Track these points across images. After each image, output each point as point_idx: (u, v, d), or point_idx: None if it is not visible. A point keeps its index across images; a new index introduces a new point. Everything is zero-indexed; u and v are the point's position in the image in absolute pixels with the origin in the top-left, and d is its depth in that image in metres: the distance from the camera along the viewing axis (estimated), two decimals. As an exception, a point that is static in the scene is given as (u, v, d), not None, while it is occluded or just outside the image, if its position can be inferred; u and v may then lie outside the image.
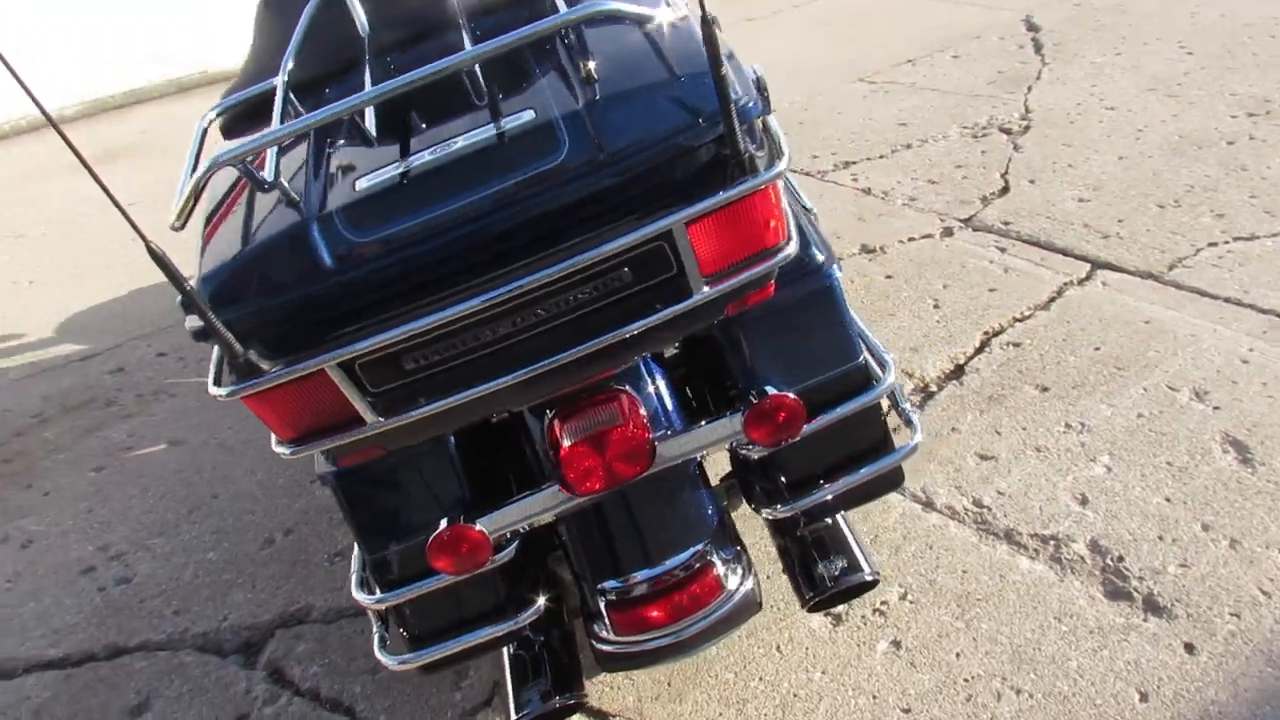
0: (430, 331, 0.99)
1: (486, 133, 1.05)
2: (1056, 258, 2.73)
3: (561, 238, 0.99)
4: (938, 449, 2.13)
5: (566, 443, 1.28)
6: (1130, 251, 2.67)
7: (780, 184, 1.07)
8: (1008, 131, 3.54)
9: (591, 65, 1.07)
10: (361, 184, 1.03)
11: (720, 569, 1.36)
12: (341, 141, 1.12)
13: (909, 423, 1.45)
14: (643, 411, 1.34)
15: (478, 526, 1.31)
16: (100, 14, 6.56)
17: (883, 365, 1.44)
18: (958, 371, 2.37)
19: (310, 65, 1.29)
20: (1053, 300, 2.55)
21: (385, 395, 1.05)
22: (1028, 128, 3.54)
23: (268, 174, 1.02)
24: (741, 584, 1.38)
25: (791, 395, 1.32)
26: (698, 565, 1.36)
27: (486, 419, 1.40)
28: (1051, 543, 1.84)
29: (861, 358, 1.42)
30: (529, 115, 1.05)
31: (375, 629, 1.43)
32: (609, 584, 1.37)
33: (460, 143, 1.05)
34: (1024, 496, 1.96)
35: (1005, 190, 3.14)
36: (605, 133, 0.99)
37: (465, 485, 1.39)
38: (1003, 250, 2.82)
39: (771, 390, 1.33)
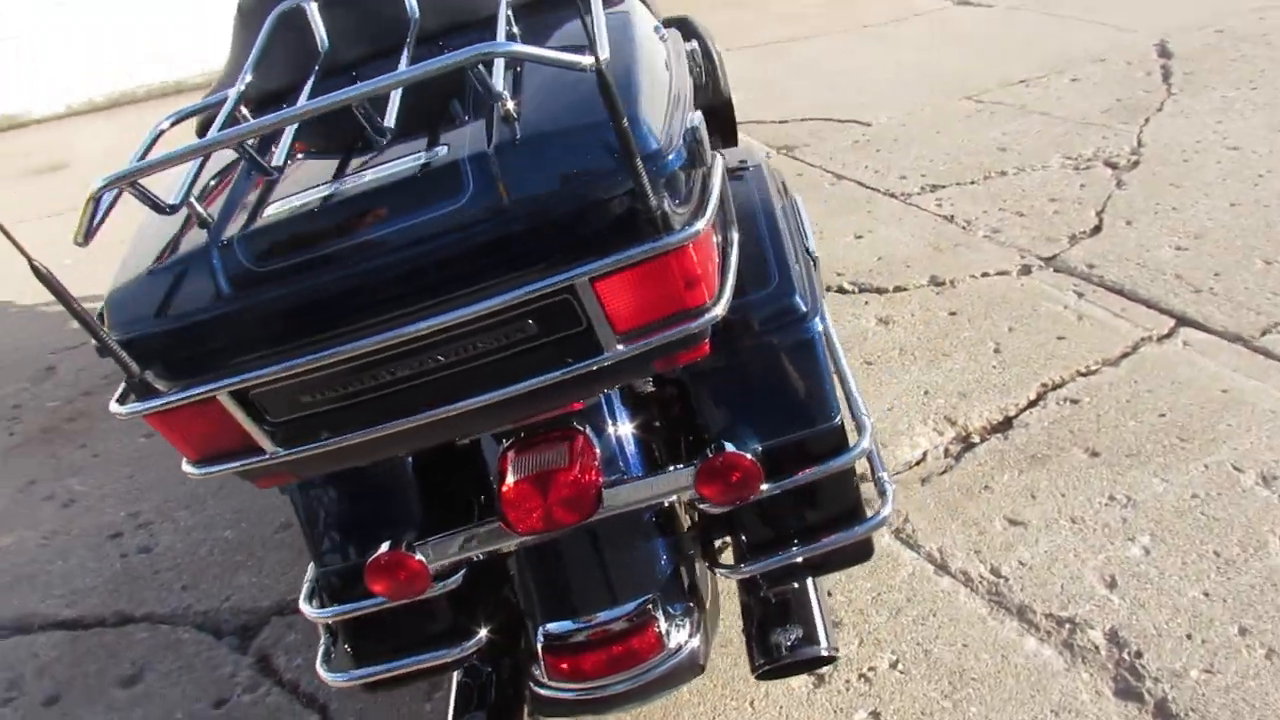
0: (321, 368, 0.96)
1: (399, 168, 1.01)
2: (1139, 309, 2.52)
3: (456, 284, 0.94)
4: (965, 507, 1.99)
5: (509, 480, 1.23)
6: (1221, 310, 2.45)
7: (713, 240, 0.99)
8: (1113, 165, 3.30)
9: (512, 105, 1.01)
10: (269, 211, 1.00)
11: (663, 625, 1.29)
12: (267, 163, 1.10)
13: (882, 493, 1.35)
14: (597, 455, 1.28)
15: (417, 555, 1.28)
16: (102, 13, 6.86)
17: (860, 428, 1.34)
18: (1005, 424, 2.22)
19: (267, 79, 1.28)
20: (1125, 356, 2.35)
21: (283, 426, 1.03)
22: (1136, 163, 3.29)
23: (177, 194, 1.00)
24: (686, 643, 1.31)
25: (749, 456, 1.24)
26: (639, 619, 1.29)
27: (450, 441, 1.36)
28: (1066, 626, 1.70)
29: (837, 418, 1.32)
30: (443, 152, 1.00)
31: (322, 642, 1.42)
32: (549, 625, 1.32)
33: (370, 176, 1.01)
34: (1047, 571, 1.81)
35: (1097, 230, 2.93)
36: (512, 178, 0.94)
37: (420, 507, 1.36)
38: (1081, 295, 2.62)
39: (729, 447, 1.25)
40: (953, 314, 2.66)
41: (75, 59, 6.89)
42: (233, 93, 1.19)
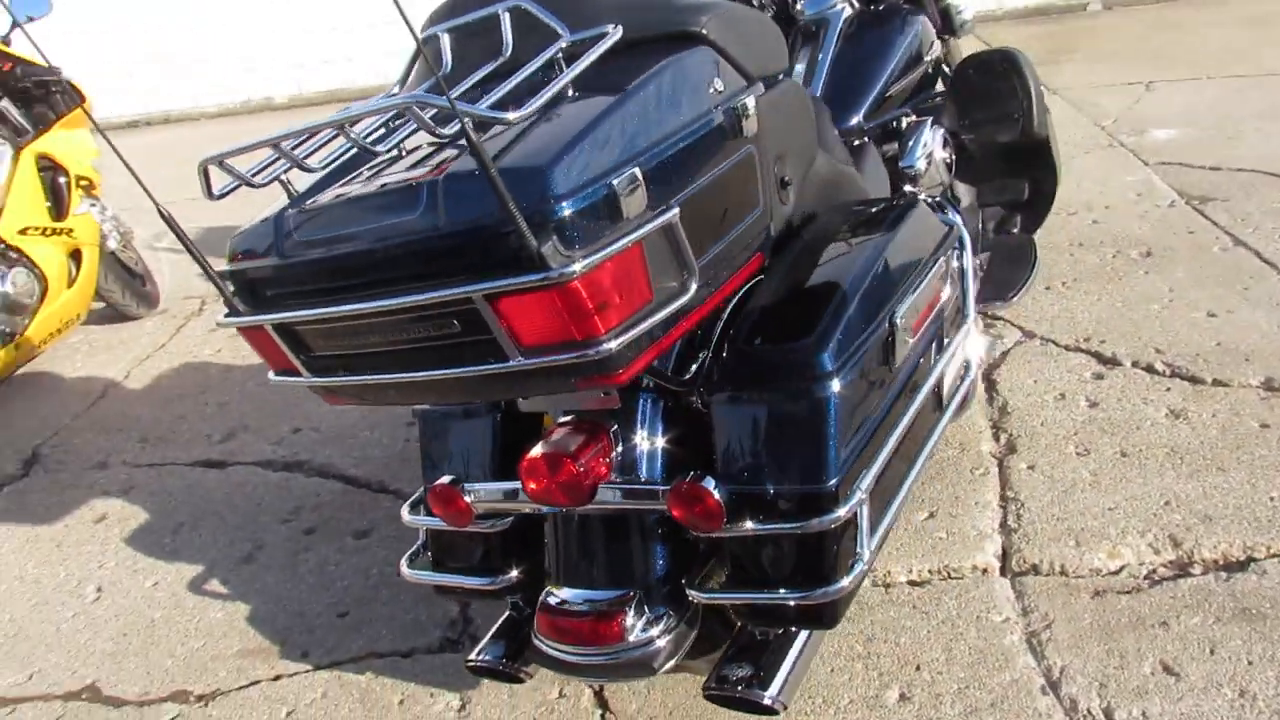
0: (315, 321, 1.23)
1: (391, 180, 1.22)
2: None
3: (400, 279, 1.14)
4: (1123, 636, 1.75)
5: (534, 450, 1.43)
6: None
7: (604, 281, 1.07)
8: None
9: (475, 137, 1.16)
10: (323, 197, 1.27)
11: (631, 620, 1.40)
12: (341, 160, 1.37)
13: (850, 567, 1.31)
14: (611, 453, 1.42)
15: (465, 494, 1.54)
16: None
17: (841, 499, 1.30)
18: (1240, 564, 1.88)
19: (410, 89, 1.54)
20: None
21: (313, 359, 1.31)
22: None
23: (268, 175, 1.30)
24: (646, 643, 1.41)
25: (714, 493, 1.30)
26: (611, 607, 1.42)
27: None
28: (1147, 799, 1.47)
29: (831, 482, 1.31)
30: (422, 172, 1.19)
31: (416, 545, 1.74)
32: (553, 587, 1.50)
33: (377, 182, 1.23)
34: (1168, 735, 1.56)
35: None
36: (451, 202, 1.10)
37: (494, 452, 1.60)
38: None
39: (706, 479, 1.32)
40: (1264, 427, 2.24)
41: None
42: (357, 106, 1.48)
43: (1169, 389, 2.44)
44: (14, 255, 3.21)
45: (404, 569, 1.70)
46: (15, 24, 3.55)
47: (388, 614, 2.10)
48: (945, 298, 1.67)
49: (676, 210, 1.13)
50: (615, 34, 1.22)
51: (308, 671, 1.99)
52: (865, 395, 1.39)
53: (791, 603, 1.32)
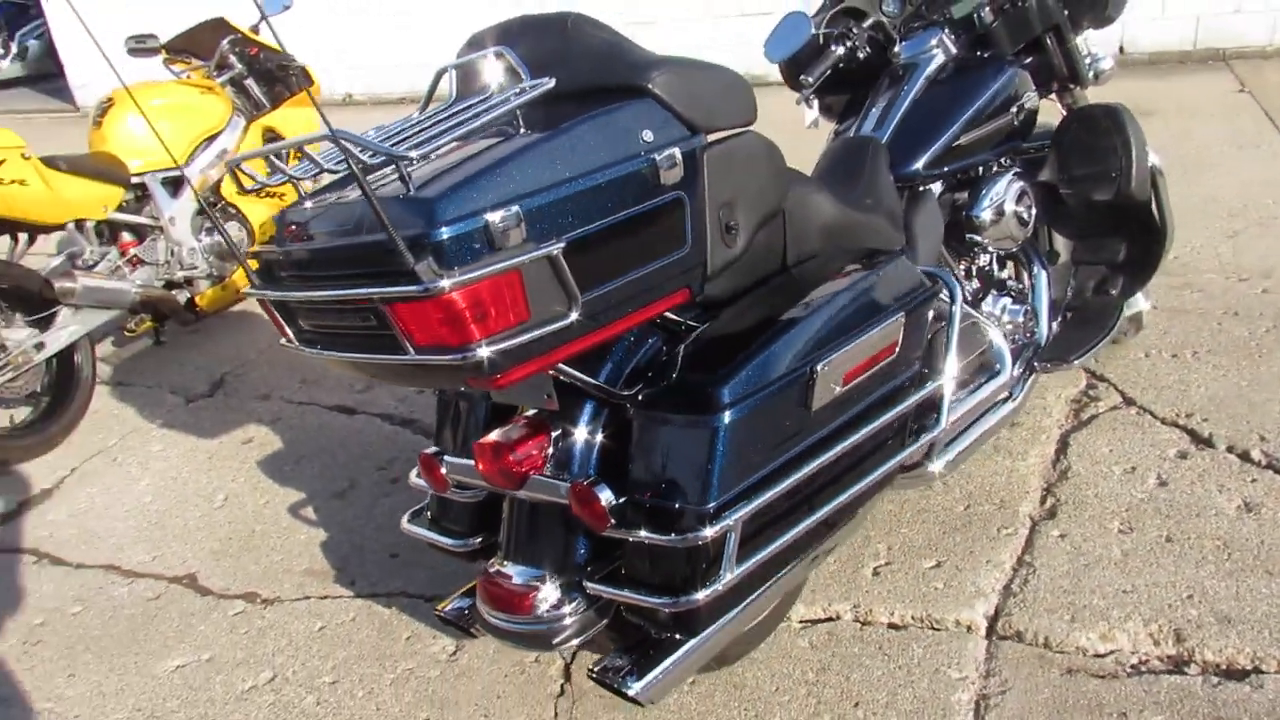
0: (280, 301, 1.46)
1: (347, 196, 1.42)
2: None
3: (332, 276, 1.35)
4: (1072, 718, 1.71)
5: (486, 437, 1.63)
6: None
7: (475, 298, 1.22)
8: None
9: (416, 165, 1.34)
10: (310, 202, 1.51)
11: (540, 597, 1.57)
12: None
13: (708, 584, 1.41)
14: (545, 448, 1.59)
15: (441, 464, 1.77)
16: None
17: (708, 518, 1.40)
18: (1240, 673, 1.76)
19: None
20: None
21: (297, 332, 1.56)
22: None
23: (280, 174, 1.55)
24: (551, 621, 1.57)
25: (600, 499, 1.45)
26: (530, 583, 1.60)
27: None
28: None
29: (709, 505, 1.42)
30: (357, 193, 1.38)
31: (422, 504, 1.98)
32: (498, 557, 1.70)
33: (339, 195, 1.45)
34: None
35: None
36: (365, 220, 1.30)
37: (474, 433, 1.81)
38: None
39: (600, 487, 1.46)
40: (1341, 538, 2.05)
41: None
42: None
43: (1255, 480, 2.26)
44: (232, 211, 3.79)
45: (403, 522, 1.95)
46: (263, 17, 4.17)
47: (430, 562, 2.37)
48: (907, 352, 1.69)
49: (561, 245, 1.27)
50: (547, 84, 1.38)
51: (349, 597, 2.30)
52: (768, 433, 1.48)
53: (655, 607, 1.44)
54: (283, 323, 1.55)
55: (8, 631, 2.33)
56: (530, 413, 1.67)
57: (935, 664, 1.88)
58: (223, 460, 3.02)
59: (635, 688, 1.48)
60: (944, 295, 1.89)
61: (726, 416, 1.42)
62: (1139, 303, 2.65)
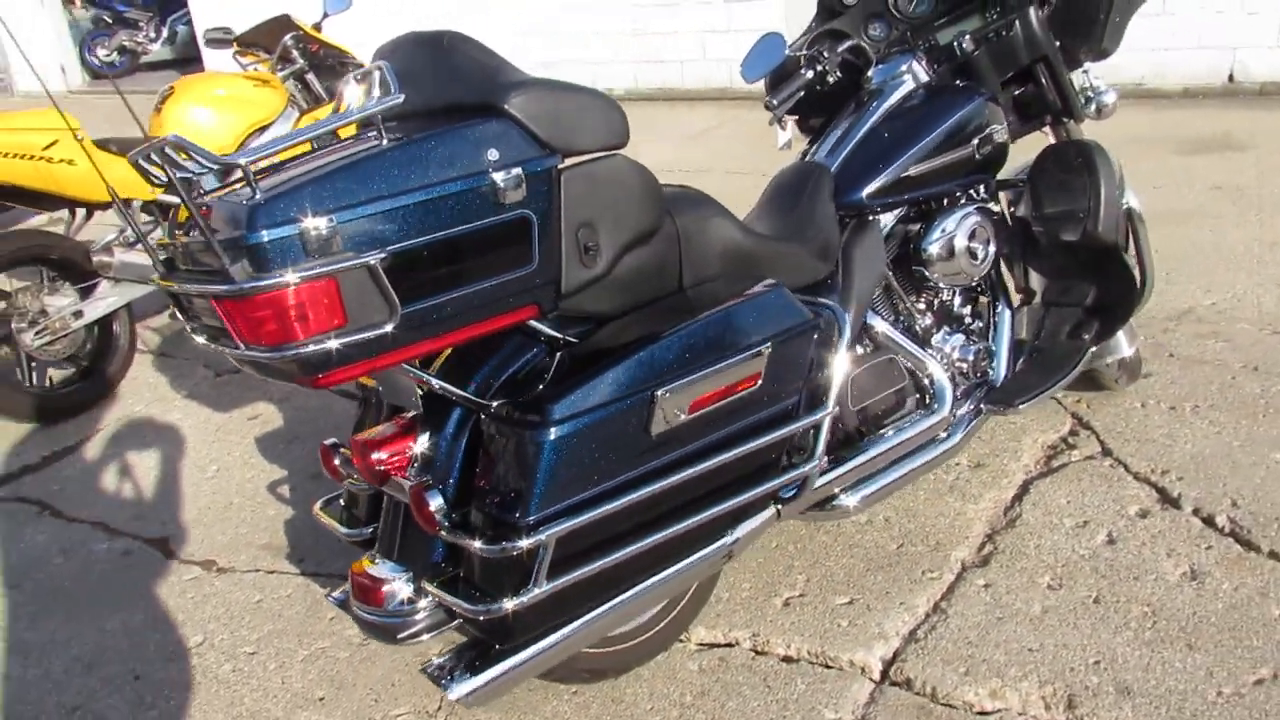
0: (165, 292, 1.55)
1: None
2: None
3: (193, 274, 1.44)
4: (931, 773, 1.67)
5: (361, 433, 1.71)
6: None
7: (287, 300, 1.28)
8: None
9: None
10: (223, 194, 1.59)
11: (392, 591, 1.63)
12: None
13: (516, 595, 1.43)
14: (407, 450, 1.65)
15: (336, 456, 1.85)
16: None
17: (533, 533, 1.43)
18: (1120, 748, 1.68)
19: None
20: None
21: (191, 322, 1.65)
22: None
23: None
24: (396, 616, 1.63)
25: (430, 505, 1.50)
26: (385, 578, 1.66)
27: None
28: None
29: (528, 519, 1.44)
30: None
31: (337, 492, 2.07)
32: (374, 551, 1.77)
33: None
34: None
35: None
36: (208, 221, 1.37)
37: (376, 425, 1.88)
38: None
39: (431, 492, 1.51)
40: (1283, 617, 1.92)
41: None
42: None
43: (1209, 547, 2.14)
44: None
45: (315, 506, 2.04)
46: (325, 14, 4.38)
47: (376, 548, 2.47)
48: (774, 384, 1.67)
49: (381, 255, 1.33)
50: (395, 100, 1.43)
51: (293, 574, 2.42)
52: (601, 454, 1.49)
53: (465, 612, 1.48)
54: (180, 311, 1.66)
55: (-8, 574, 2.55)
56: (410, 414, 1.73)
57: (813, 702, 1.85)
58: (226, 434, 3.19)
59: (454, 689, 1.53)
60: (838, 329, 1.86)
61: (552, 432, 1.45)
62: (1119, 349, 2.53)
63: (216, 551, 2.54)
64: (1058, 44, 2.33)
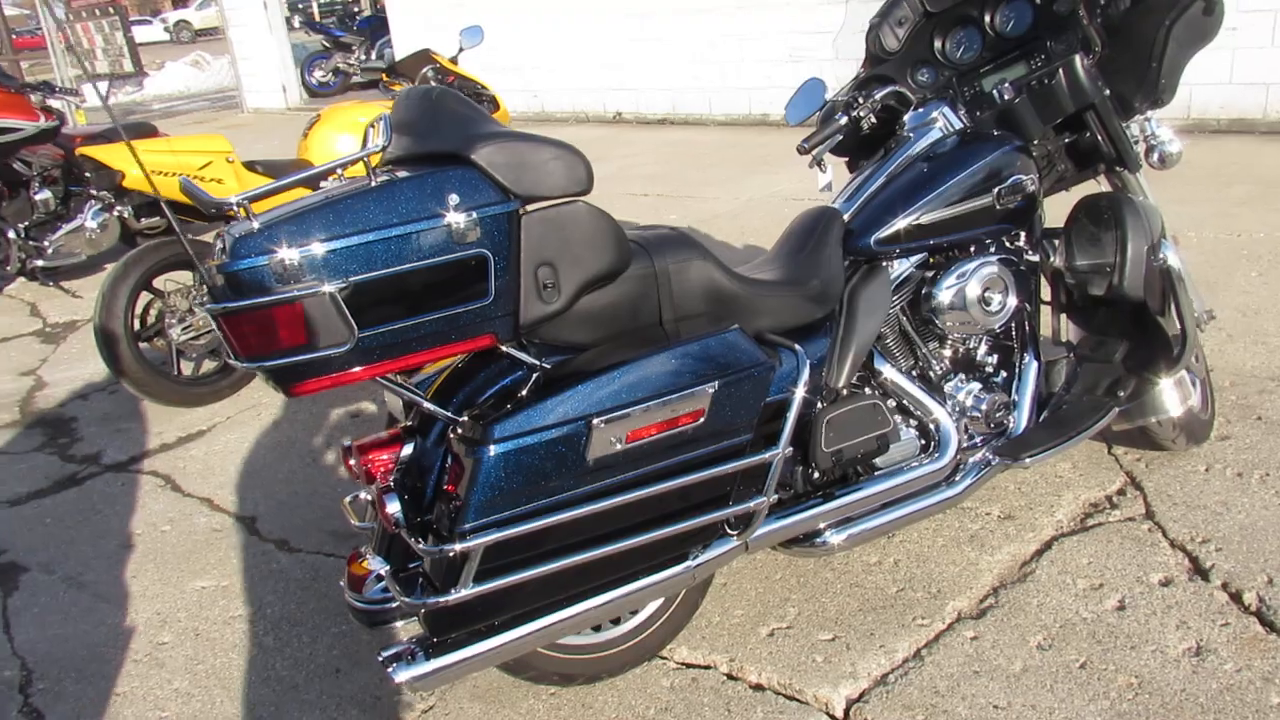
0: None
1: None
2: None
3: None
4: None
5: (361, 437, 1.93)
6: None
7: (257, 320, 1.48)
8: None
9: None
10: None
11: (370, 581, 1.83)
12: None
13: (444, 592, 1.59)
14: (390, 456, 1.84)
15: (353, 456, 2.07)
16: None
17: (465, 539, 1.58)
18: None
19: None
20: None
21: None
22: None
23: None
24: (375, 604, 1.82)
25: (387, 508, 1.68)
26: (365, 569, 1.86)
27: None
28: None
29: (464, 525, 1.60)
30: None
31: None
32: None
33: None
34: None
35: None
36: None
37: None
38: None
39: (389, 497, 1.69)
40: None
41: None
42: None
43: (1225, 624, 2.04)
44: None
45: (345, 501, 2.28)
46: (461, 48, 4.73)
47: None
48: (720, 421, 1.76)
49: (341, 284, 1.52)
50: (373, 149, 1.62)
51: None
52: (537, 475, 1.63)
53: (405, 602, 1.66)
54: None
55: (113, 534, 2.95)
56: (405, 423, 1.93)
57: (765, 730, 1.92)
58: (330, 426, 3.54)
59: (398, 674, 1.70)
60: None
61: (491, 450, 1.60)
62: (1164, 408, 2.41)
63: (290, 533, 2.85)
64: (1107, 91, 2.28)
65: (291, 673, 2.25)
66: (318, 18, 17.36)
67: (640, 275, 1.83)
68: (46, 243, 4.95)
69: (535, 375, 1.80)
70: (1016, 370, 2.33)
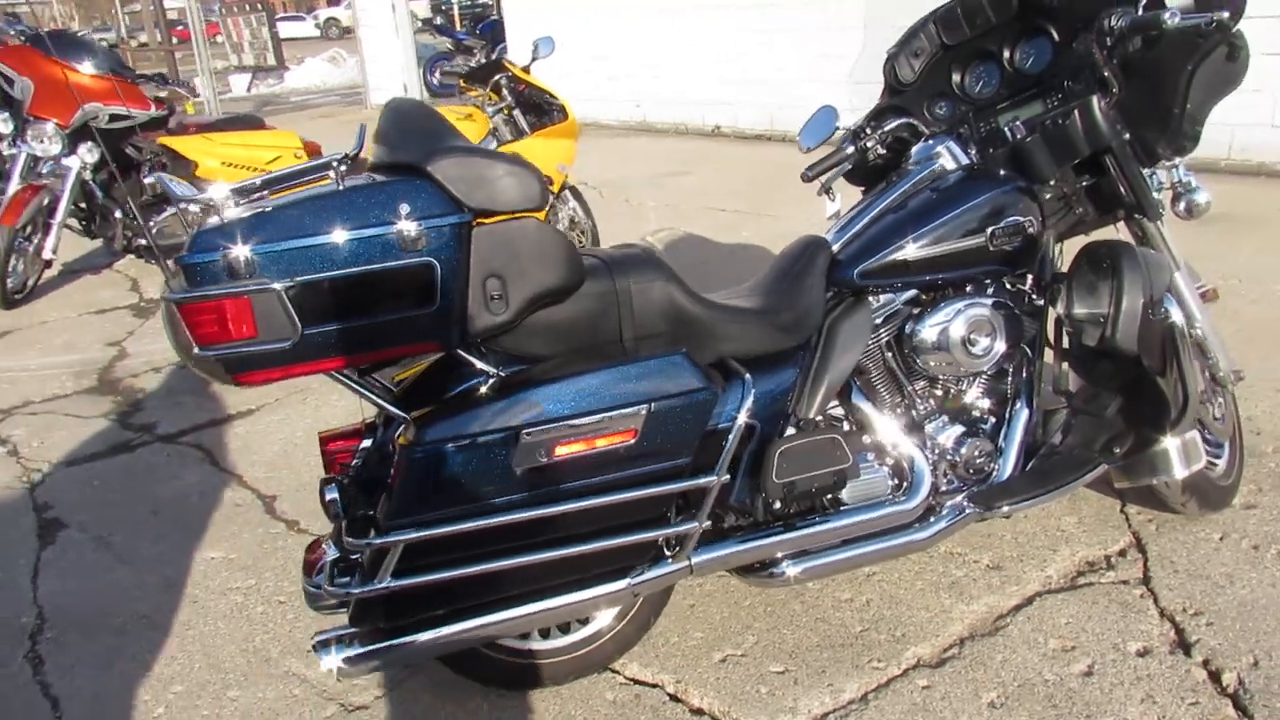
0: None
1: None
2: None
3: None
4: None
5: (330, 429, 2.01)
6: None
7: (206, 311, 1.56)
8: None
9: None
10: None
11: (319, 566, 1.91)
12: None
13: (364, 584, 1.65)
14: (354, 451, 1.92)
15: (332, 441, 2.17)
16: None
17: (386, 534, 1.63)
18: None
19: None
20: None
21: None
22: None
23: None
24: (318, 588, 1.90)
25: (325, 496, 1.75)
26: (320, 553, 1.94)
27: None
28: None
29: (390, 521, 1.65)
30: None
31: None
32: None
33: None
34: None
35: None
36: None
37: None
38: None
39: (329, 488, 1.77)
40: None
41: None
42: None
43: (1194, 703, 1.93)
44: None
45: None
46: (534, 58, 4.84)
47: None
48: (653, 442, 1.76)
49: (286, 283, 1.59)
50: (337, 156, 1.70)
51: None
52: (463, 479, 1.67)
53: (329, 588, 1.73)
54: None
55: (145, 499, 3.13)
56: (369, 419, 2.02)
57: (692, 755, 1.92)
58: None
59: (325, 661, 1.77)
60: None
61: (417, 451, 1.66)
62: (1168, 469, 2.28)
63: (303, 514, 2.98)
64: (1127, 136, 2.19)
65: (267, 646, 2.35)
66: (457, 20, 17.97)
67: (600, 292, 1.86)
68: (151, 223, 5.29)
69: (491, 382, 1.85)
70: (1006, 416, 2.26)
